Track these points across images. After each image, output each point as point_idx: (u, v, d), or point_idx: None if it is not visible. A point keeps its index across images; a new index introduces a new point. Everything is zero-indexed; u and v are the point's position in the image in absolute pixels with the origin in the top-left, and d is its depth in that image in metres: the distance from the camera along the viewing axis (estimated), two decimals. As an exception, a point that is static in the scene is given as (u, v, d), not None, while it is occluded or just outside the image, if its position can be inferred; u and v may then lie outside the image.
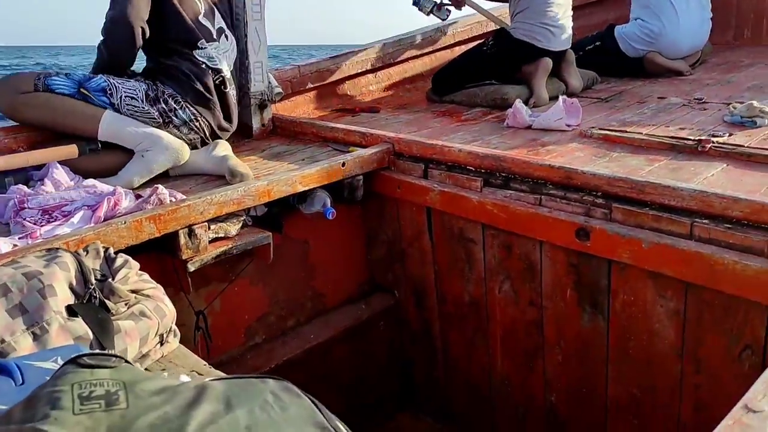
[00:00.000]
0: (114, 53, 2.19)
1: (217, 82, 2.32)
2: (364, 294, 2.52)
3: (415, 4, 3.25)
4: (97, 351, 0.84)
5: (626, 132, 2.29)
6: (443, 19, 3.32)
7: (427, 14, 3.25)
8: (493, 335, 2.21)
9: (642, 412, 1.85)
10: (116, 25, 2.12)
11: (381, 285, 2.54)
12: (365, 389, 2.50)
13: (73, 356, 0.74)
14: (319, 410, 0.77)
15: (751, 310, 1.52)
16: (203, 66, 2.28)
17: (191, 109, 2.24)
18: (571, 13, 3.10)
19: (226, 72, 2.36)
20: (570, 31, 3.09)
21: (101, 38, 2.19)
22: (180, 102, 2.22)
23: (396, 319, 2.52)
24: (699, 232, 1.58)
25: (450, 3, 3.30)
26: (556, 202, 1.87)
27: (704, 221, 1.58)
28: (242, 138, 2.63)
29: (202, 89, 2.27)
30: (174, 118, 2.21)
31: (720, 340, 1.60)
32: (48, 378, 0.89)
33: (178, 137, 2.20)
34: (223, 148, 2.27)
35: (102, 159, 2.11)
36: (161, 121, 2.18)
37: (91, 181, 1.96)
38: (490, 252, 2.11)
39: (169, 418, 0.68)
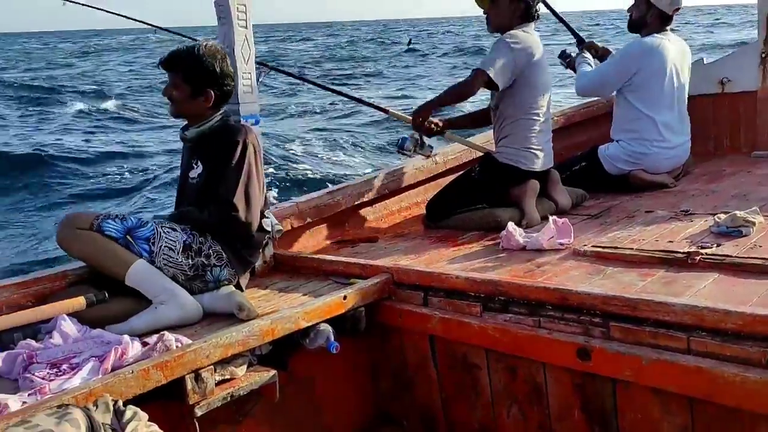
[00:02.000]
0: (217, 232, 2.36)
1: (265, 244, 2.54)
2: (372, 427, 2.49)
3: (399, 149, 3.39)
4: None
5: (617, 249, 2.36)
6: (427, 156, 3.42)
7: (411, 155, 3.39)
8: None
9: None
10: (236, 227, 2.34)
11: (390, 416, 2.52)
12: None
13: None
14: None
15: (757, 422, 1.52)
16: (265, 234, 2.51)
17: (231, 270, 2.37)
18: (551, 135, 3.26)
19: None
20: (551, 152, 3.23)
21: (212, 220, 2.34)
22: (223, 261, 2.35)
23: None
24: (696, 346, 1.60)
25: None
26: (555, 323, 1.91)
27: (701, 335, 1.61)
28: (245, 276, 2.70)
29: (250, 259, 2.48)
30: (208, 274, 2.32)
31: None
32: None
33: (201, 291, 2.30)
34: (227, 286, 2.34)
35: (110, 307, 2.16)
36: (191, 274, 2.29)
37: (98, 331, 2.01)
38: (496, 376, 2.12)
39: None
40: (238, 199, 2.31)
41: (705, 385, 1.55)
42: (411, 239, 3.11)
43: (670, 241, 2.38)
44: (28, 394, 1.65)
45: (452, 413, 2.30)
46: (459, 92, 3.15)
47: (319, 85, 4.21)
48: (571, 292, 1.88)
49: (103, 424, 1.33)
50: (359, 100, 4.12)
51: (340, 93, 4.31)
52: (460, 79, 3.22)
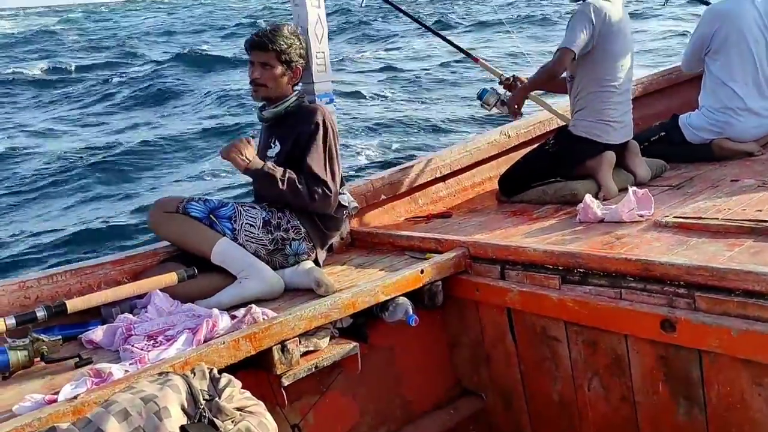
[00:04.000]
0: (301, 207, 2.42)
1: (342, 220, 2.58)
2: (452, 399, 2.52)
3: (479, 98, 3.38)
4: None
5: (702, 219, 2.29)
6: (509, 113, 3.33)
7: (489, 110, 3.35)
8: None
9: None
10: (325, 207, 2.42)
11: (468, 389, 2.55)
12: None
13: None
14: None
15: None
16: (343, 211, 2.55)
17: (309, 244, 2.44)
18: (631, 106, 3.17)
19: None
20: (630, 124, 3.15)
21: (302, 191, 2.36)
22: (302, 235, 2.42)
23: (486, 424, 2.50)
24: None
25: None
26: (637, 294, 1.88)
27: None
28: (323, 253, 2.77)
29: (328, 233, 2.52)
30: (287, 247, 2.40)
31: None
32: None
33: (282, 265, 2.39)
34: (307, 262, 2.41)
35: (198, 283, 2.26)
36: (272, 248, 2.37)
37: (189, 306, 2.11)
38: (575, 349, 2.11)
39: None
40: (327, 177, 2.39)
41: None
42: (485, 214, 3.10)
43: (759, 210, 2.29)
44: (129, 363, 1.75)
45: (532, 386, 2.30)
46: (549, 73, 3.07)
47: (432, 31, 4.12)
48: (654, 263, 1.85)
49: (201, 390, 1.41)
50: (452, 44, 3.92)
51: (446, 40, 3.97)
52: (547, 60, 3.15)
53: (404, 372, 2.43)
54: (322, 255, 2.56)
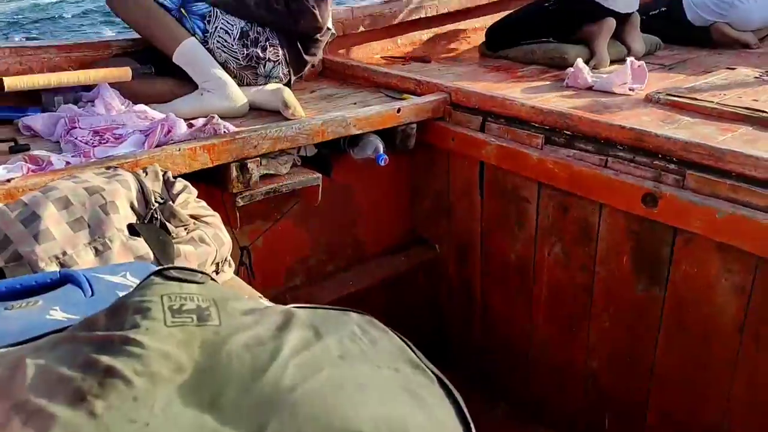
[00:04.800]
0: (288, 29, 2.20)
1: (324, 42, 2.35)
2: (405, 246, 2.47)
3: None
4: (184, 266, 0.80)
5: (696, 99, 2.18)
6: None
7: None
8: (537, 298, 2.16)
9: (690, 385, 1.80)
10: (306, 21, 2.18)
11: (423, 238, 2.49)
12: None
13: (158, 268, 0.69)
14: (409, 347, 0.72)
15: None
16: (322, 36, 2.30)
17: (285, 69, 2.22)
18: None
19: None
20: None
21: (281, 10, 2.14)
22: (278, 58, 2.19)
23: (436, 274, 2.47)
24: None
25: None
26: (623, 164, 1.79)
27: None
28: (292, 77, 2.56)
29: (307, 59, 2.29)
30: (261, 67, 2.17)
31: None
32: (120, 292, 0.85)
33: (249, 83, 2.17)
34: (276, 83, 2.21)
35: (155, 85, 2.06)
36: (244, 64, 2.14)
37: (141, 107, 1.91)
38: (545, 212, 2.04)
39: (263, 340, 0.64)
40: (316, 2, 2.16)
41: None
42: (467, 65, 2.92)
43: (755, 100, 2.19)
44: (72, 156, 1.58)
45: (490, 243, 2.26)
46: None
47: None
48: (649, 134, 1.74)
49: (153, 191, 1.26)
50: None
51: None
52: None
53: (362, 212, 2.34)
54: (293, 82, 2.36)
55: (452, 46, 3.30)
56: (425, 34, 3.25)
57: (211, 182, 1.75)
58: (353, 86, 2.51)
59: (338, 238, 2.30)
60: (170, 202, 1.26)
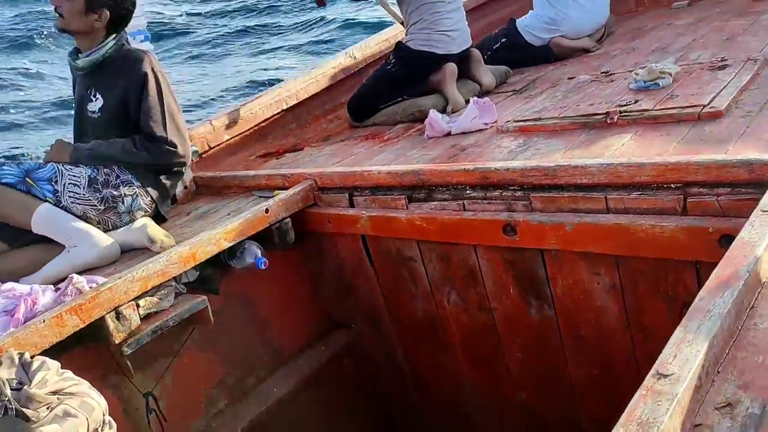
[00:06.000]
0: (153, 169, 2.29)
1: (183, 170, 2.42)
2: (322, 334, 2.48)
3: None
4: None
5: (539, 120, 2.30)
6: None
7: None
8: (452, 346, 2.19)
9: (606, 388, 1.84)
10: (174, 164, 2.30)
11: (337, 321, 2.50)
12: None
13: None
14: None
15: (680, 268, 1.52)
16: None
17: (146, 199, 2.27)
18: (464, 14, 3.12)
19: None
20: (467, 31, 3.10)
21: (153, 158, 2.25)
22: (134, 190, 2.24)
23: (359, 353, 2.47)
24: (614, 204, 1.58)
25: None
26: (478, 203, 1.86)
27: (616, 192, 1.58)
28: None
29: (169, 185, 2.36)
30: (120, 204, 2.20)
31: (658, 303, 1.60)
32: None
33: (116, 225, 2.20)
34: (140, 219, 2.24)
35: (20, 258, 2.05)
36: (102, 208, 2.17)
37: (8, 285, 1.89)
38: (431, 266, 2.09)
39: None
40: (172, 134, 2.22)
41: (626, 241, 1.54)
42: (337, 142, 3.00)
43: (591, 104, 2.32)
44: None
45: (396, 308, 2.29)
46: None
47: None
48: (490, 170, 1.83)
49: (7, 380, 1.25)
50: None
51: None
52: None
53: (268, 316, 2.34)
54: (165, 207, 2.39)
55: (323, 125, 3.38)
56: (293, 122, 3.33)
57: (92, 339, 1.74)
58: (228, 196, 2.55)
59: (251, 349, 2.29)
60: (26, 387, 1.24)
